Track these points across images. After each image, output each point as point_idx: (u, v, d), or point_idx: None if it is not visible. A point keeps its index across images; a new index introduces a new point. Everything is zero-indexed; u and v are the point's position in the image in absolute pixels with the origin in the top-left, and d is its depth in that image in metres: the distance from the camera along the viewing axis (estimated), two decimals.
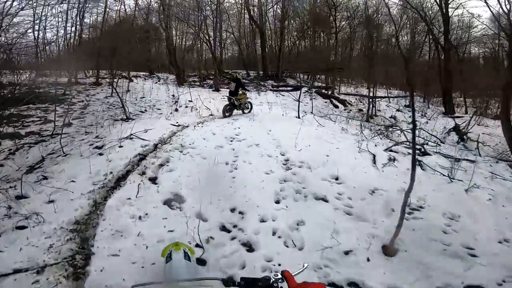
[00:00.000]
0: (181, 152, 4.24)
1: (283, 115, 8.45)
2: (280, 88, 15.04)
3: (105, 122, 6.72)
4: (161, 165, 3.75)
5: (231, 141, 5.18)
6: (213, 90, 13.04)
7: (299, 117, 7.85)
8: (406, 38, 24.59)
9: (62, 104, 7.84)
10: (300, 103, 10.94)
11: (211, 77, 18.08)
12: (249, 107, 8.22)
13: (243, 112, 8.03)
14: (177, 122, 6.47)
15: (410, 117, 12.09)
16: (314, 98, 14.21)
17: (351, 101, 13.57)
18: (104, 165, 3.66)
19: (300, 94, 9.93)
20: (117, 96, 8.29)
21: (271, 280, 0.79)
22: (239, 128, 6.23)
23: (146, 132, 5.23)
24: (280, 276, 0.81)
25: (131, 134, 4.88)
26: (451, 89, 13.40)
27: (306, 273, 0.98)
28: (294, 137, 5.07)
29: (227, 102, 7.83)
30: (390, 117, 11.77)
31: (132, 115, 7.85)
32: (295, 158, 4.13)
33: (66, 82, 10.18)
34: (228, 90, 8.59)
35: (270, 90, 14.50)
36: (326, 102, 13.64)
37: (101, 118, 7.27)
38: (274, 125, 6.38)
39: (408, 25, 21.00)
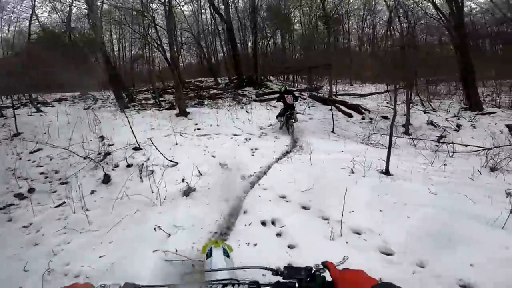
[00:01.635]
0: None
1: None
2: (267, 97, 11.31)
3: None
4: None
5: None
6: (177, 115, 7.91)
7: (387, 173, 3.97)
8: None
9: None
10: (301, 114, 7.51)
11: (170, 89, 13.73)
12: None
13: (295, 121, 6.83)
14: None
15: (451, 119, 9.18)
16: (312, 105, 10.76)
17: (364, 106, 10.30)
18: None
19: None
20: None
21: (313, 270, 0.81)
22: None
23: None
24: (321, 266, 0.82)
25: None
26: (475, 79, 10.88)
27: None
28: None
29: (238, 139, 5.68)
30: (428, 124, 8.73)
31: None
32: None
33: None
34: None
35: (255, 101, 10.68)
36: (330, 109, 10.22)
37: None
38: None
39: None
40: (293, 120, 6.67)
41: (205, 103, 10.19)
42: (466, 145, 5.86)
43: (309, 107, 10.54)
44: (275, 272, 0.84)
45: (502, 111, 10.30)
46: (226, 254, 1.34)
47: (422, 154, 5.13)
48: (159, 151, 4.51)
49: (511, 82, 14.27)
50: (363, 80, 21.47)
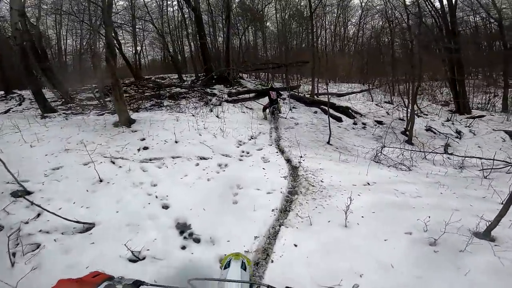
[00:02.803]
0: None
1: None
2: (241, 97, 9.50)
3: None
4: None
5: None
6: (116, 124, 5.38)
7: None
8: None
9: None
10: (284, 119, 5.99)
11: (130, 87, 11.26)
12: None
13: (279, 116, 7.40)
14: None
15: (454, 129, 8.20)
16: (294, 107, 9.22)
17: (353, 108, 8.97)
18: None
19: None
20: None
21: None
22: None
23: None
24: None
25: None
26: (464, 79, 10.21)
27: None
28: None
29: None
30: (427, 130, 7.62)
31: None
32: None
33: None
34: None
35: (227, 101, 8.81)
36: (315, 112, 8.77)
37: None
38: None
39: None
40: (278, 111, 7.44)
41: (164, 104, 8.08)
42: (480, 158, 4.70)
43: (290, 109, 8.97)
44: None
45: (491, 115, 9.74)
46: (244, 267, 1.29)
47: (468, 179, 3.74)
48: (49, 211, 2.45)
49: (482, 83, 14.23)
50: (340, 79, 20.72)
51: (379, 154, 4.80)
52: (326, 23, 25.27)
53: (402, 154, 4.97)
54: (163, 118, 5.96)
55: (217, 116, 6.73)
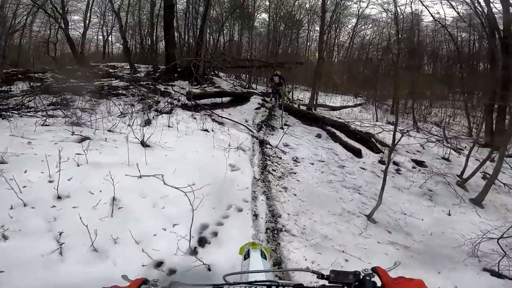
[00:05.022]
0: None
1: None
2: (207, 102, 6.29)
3: None
4: None
5: None
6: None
7: None
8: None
9: None
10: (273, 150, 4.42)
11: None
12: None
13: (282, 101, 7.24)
14: None
15: None
16: (285, 123, 6.30)
17: (376, 136, 6.08)
18: None
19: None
20: None
21: (361, 275, 0.73)
22: None
23: None
24: (370, 271, 0.74)
25: None
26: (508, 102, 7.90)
27: None
28: None
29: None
30: (484, 178, 5.00)
31: None
32: None
33: None
34: None
35: (184, 106, 5.56)
36: (318, 136, 5.83)
37: None
38: None
39: None
40: (284, 96, 7.45)
41: (74, 105, 4.61)
42: None
43: (282, 128, 5.97)
44: (321, 275, 0.78)
45: None
46: (264, 256, 1.30)
47: None
48: None
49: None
50: (330, 89, 18.24)
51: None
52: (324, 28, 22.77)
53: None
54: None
55: (143, 144, 3.37)
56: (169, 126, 4.29)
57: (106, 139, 3.27)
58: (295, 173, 3.62)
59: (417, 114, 11.73)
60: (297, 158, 4.25)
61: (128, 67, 10.90)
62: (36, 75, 8.04)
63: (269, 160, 3.87)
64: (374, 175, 4.47)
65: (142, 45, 16.95)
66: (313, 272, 0.80)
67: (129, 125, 3.89)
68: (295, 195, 3.11)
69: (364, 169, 4.54)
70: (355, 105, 14.82)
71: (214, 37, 15.41)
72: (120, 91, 6.10)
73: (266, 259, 1.28)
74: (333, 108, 12.12)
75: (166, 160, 3.09)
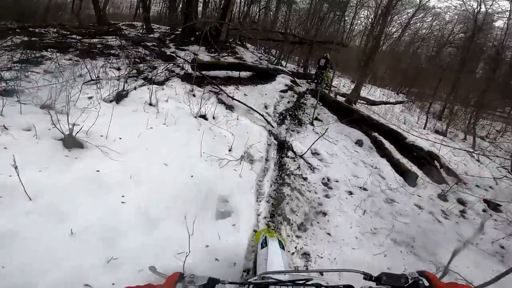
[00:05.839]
0: None
1: None
2: (217, 75, 4.86)
3: None
4: None
5: None
6: None
7: None
8: None
9: None
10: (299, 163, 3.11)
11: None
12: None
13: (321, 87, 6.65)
14: None
15: None
16: (316, 118, 4.77)
17: (442, 159, 4.37)
18: None
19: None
20: None
21: (409, 278, 0.73)
22: None
23: None
24: (417, 275, 0.74)
25: None
26: None
27: None
28: None
29: None
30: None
31: None
32: None
33: None
34: None
35: (187, 76, 4.19)
36: (359, 143, 4.27)
37: None
38: None
39: None
40: (321, 83, 6.89)
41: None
42: None
43: (311, 123, 4.47)
44: (369, 277, 0.76)
45: None
46: (282, 246, 1.22)
47: None
48: None
49: None
50: (371, 81, 15.79)
51: None
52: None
53: None
54: None
55: (67, 143, 2.00)
56: (150, 104, 2.97)
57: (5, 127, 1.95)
58: (324, 215, 2.21)
59: (461, 122, 9.49)
60: (329, 180, 2.80)
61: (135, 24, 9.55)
62: (37, 30, 6.95)
63: (288, 183, 2.47)
64: (433, 219, 2.94)
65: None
66: (362, 273, 0.77)
67: (89, 97, 2.60)
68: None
69: (419, 207, 3.01)
70: (396, 102, 12.69)
71: (247, 2, 13.41)
72: (113, 52, 4.82)
73: (283, 249, 1.19)
74: (373, 103, 10.21)
75: (85, 189, 1.60)
